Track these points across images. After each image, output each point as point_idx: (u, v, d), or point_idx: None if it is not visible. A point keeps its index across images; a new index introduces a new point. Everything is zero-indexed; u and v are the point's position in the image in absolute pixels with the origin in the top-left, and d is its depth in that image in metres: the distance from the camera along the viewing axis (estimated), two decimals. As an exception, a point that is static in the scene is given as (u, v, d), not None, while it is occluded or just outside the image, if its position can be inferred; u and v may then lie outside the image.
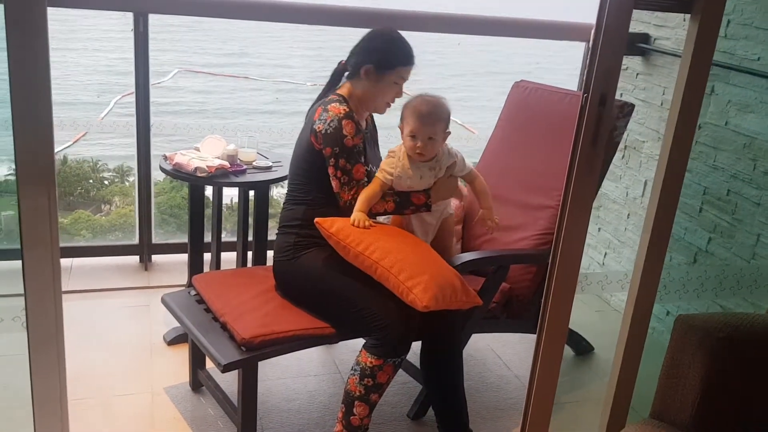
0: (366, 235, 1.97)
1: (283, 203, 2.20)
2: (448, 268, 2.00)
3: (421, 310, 1.86)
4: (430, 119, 2.02)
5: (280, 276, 2.15)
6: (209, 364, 2.32)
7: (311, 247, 2.08)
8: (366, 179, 2.06)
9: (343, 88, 2.13)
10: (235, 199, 2.72)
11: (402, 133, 2.06)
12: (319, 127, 2.03)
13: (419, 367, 2.16)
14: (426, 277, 1.88)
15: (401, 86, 2.13)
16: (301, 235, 2.10)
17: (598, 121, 1.51)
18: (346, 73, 2.17)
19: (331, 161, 2.02)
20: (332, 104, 2.04)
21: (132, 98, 3.02)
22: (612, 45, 1.48)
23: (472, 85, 22.82)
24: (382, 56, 2.09)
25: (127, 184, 12.70)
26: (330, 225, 2.00)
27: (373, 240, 1.96)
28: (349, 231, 1.98)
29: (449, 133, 2.09)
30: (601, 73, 1.48)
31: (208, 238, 2.75)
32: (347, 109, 2.04)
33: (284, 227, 2.15)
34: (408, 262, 1.91)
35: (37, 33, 1.37)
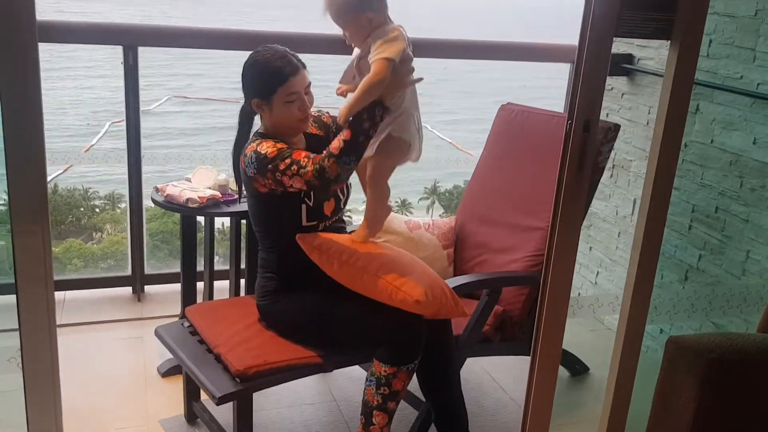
0: (348, 247, 2.00)
1: (259, 245, 2.18)
2: (435, 275, 2.03)
3: (413, 307, 1.88)
4: (325, 6, 1.90)
5: (267, 317, 2.14)
6: (204, 396, 2.31)
7: (293, 290, 2.09)
8: (312, 153, 1.92)
9: (260, 128, 2.10)
10: (227, 224, 2.73)
11: None
12: (251, 172, 1.96)
13: (419, 385, 2.17)
14: (414, 276, 1.93)
15: (301, 98, 1.99)
16: (279, 281, 2.10)
17: (583, 146, 1.54)
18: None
19: (278, 177, 1.91)
20: (248, 147, 2.00)
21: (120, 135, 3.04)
22: (594, 72, 1.51)
23: (464, 107, 22.98)
24: (258, 86, 2.00)
25: (118, 211, 12.68)
26: (312, 239, 2.01)
27: (356, 250, 1.99)
28: (332, 243, 2.00)
29: (372, 16, 1.86)
30: (584, 100, 1.51)
31: (200, 265, 2.75)
32: (258, 141, 1.98)
33: (263, 271, 2.14)
34: (394, 265, 1.95)
35: (28, 71, 1.38)
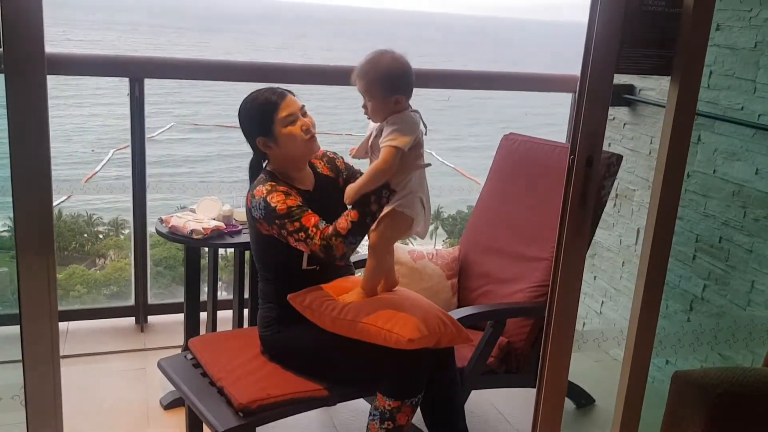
0: (339, 301, 2.00)
1: (258, 276, 2.18)
2: (430, 305, 2.03)
3: (408, 345, 1.87)
4: (363, 79, 1.89)
5: (270, 349, 2.13)
6: (207, 429, 2.29)
7: (295, 321, 2.07)
8: (322, 221, 1.94)
9: (268, 165, 2.10)
10: (231, 250, 2.73)
11: None
12: (256, 215, 1.99)
13: (422, 418, 2.15)
14: (402, 315, 1.92)
15: (297, 120, 2.01)
16: (280, 311, 2.10)
17: (586, 181, 1.55)
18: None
19: (283, 233, 1.95)
20: (257, 188, 2.00)
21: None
22: (595, 109, 1.52)
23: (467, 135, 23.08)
24: (256, 124, 2.03)
25: (122, 237, 12.71)
26: (303, 299, 2.03)
27: (346, 303, 2.00)
28: (322, 300, 2.01)
29: (401, 97, 1.88)
30: (586, 136, 1.52)
31: (203, 294, 2.75)
32: (269, 187, 1.98)
33: (264, 302, 2.14)
34: (384, 308, 1.95)
35: (36, 104, 1.39)
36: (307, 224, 1.92)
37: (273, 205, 1.95)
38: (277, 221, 1.95)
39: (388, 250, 2.07)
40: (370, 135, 1.96)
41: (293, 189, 2.02)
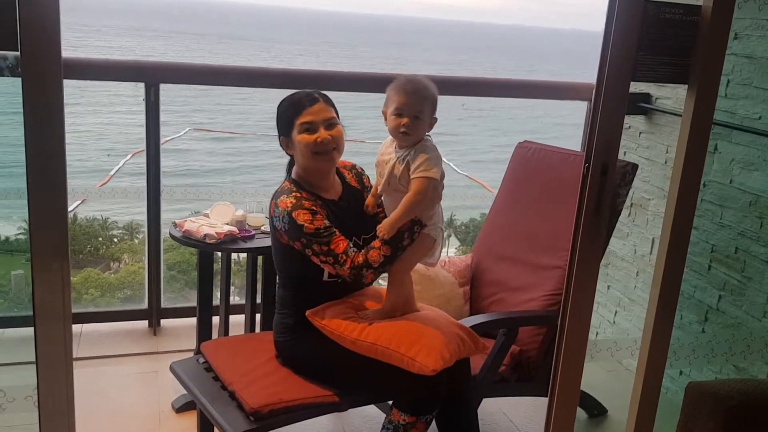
0: (358, 322, 1.99)
1: (277, 279, 2.18)
2: (449, 322, 2.01)
3: (431, 374, 1.86)
4: (417, 96, 1.92)
5: (286, 356, 2.13)
6: (218, 433, 2.30)
7: (312, 328, 2.05)
8: (351, 246, 1.97)
9: (293, 170, 2.08)
10: (243, 255, 2.74)
11: (385, 117, 1.97)
12: (278, 226, 1.98)
13: (437, 429, 2.14)
14: (426, 341, 1.90)
15: (316, 130, 1.97)
16: (297, 317, 2.09)
17: (601, 190, 1.54)
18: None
19: (308, 252, 1.95)
20: (280, 198, 1.97)
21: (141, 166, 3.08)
22: (611, 116, 1.51)
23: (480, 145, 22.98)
24: (280, 123, 2.04)
25: (136, 241, 12.77)
26: (321, 317, 2.02)
27: (366, 324, 1.98)
28: (342, 319, 2.00)
29: (436, 119, 1.98)
30: (601, 144, 1.51)
31: (216, 299, 2.76)
32: (293, 201, 1.95)
33: (281, 307, 2.13)
34: (404, 333, 1.93)
35: (53, 108, 1.40)
36: (337, 250, 1.93)
37: (300, 223, 1.93)
38: (303, 240, 1.94)
39: (408, 274, 2.08)
40: (393, 166, 1.96)
41: (319, 200, 2.00)
